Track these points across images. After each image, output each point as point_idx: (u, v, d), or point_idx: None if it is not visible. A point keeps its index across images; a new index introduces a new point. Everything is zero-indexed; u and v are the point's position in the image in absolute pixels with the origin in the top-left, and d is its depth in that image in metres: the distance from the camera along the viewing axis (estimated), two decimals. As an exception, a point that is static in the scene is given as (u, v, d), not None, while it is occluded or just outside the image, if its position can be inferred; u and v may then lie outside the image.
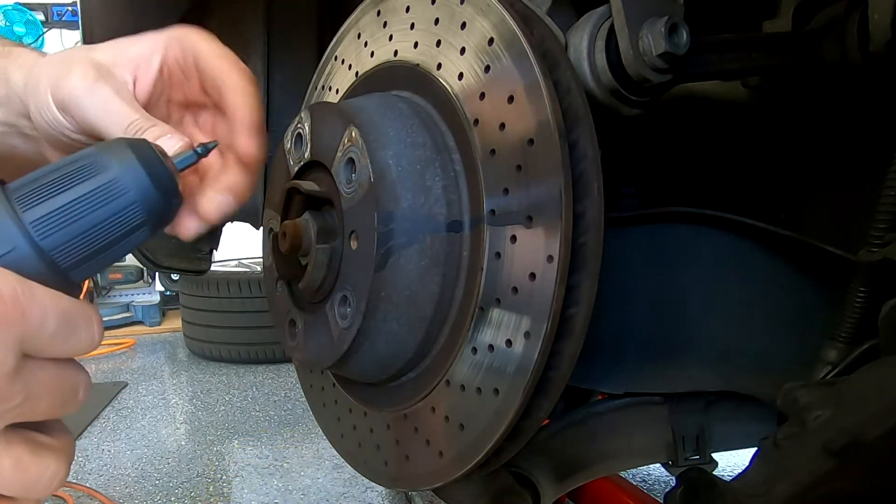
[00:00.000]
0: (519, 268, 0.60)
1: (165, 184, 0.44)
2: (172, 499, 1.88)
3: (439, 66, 0.69)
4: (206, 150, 0.51)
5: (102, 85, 0.50)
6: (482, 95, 0.64)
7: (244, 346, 3.30)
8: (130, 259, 3.56)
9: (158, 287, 4.52)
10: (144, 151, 0.43)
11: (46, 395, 0.38)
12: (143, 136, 0.47)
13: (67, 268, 0.40)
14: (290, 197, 0.79)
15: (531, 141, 0.59)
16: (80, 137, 0.51)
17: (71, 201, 0.40)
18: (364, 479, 0.88)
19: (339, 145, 0.68)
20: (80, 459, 2.17)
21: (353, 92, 0.82)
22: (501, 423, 0.62)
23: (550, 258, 0.57)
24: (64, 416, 0.40)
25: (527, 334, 0.59)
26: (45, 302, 0.37)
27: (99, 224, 0.41)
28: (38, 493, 0.38)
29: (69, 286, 0.40)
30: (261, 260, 0.99)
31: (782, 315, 0.81)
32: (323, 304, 0.72)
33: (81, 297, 0.42)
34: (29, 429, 0.39)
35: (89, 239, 0.41)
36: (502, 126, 0.62)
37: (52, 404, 0.38)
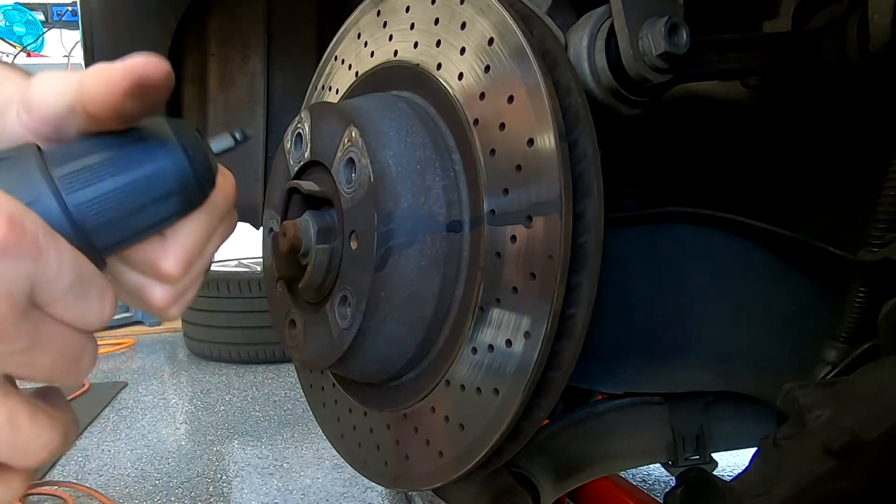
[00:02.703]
0: (519, 268, 0.60)
1: (205, 173, 0.43)
2: (172, 499, 1.88)
3: (439, 66, 0.69)
4: (244, 136, 0.49)
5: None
6: (482, 95, 0.64)
7: (244, 346, 3.30)
8: (130, 259, 3.55)
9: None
10: (187, 137, 0.42)
11: (51, 350, 0.36)
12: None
13: (89, 229, 0.39)
14: (290, 197, 0.79)
15: (531, 141, 0.59)
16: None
17: (101, 161, 0.39)
18: (364, 479, 0.88)
19: (339, 145, 0.68)
20: (80, 459, 2.17)
21: (353, 92, 0.82)
22: (501, 423, 0.62)
23: (550, 258, 0.57)
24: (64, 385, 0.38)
25: (527, 334, 0.59)
26: (65, 253, 0.36)
27: (126, 185, 0.40)
28: (27, 459, 0.37)
29: (90, 252, 0.39)
30: (261, 260, 0.99)
31: (782, 315, 0.81)
32: (323, 304, 0.72)
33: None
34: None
35: (115, 200, 0.39)
36: (502, 126, 0.61)
37: (55, 363, 0.36)
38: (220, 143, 0.48)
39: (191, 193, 0.43)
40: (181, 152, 0.42)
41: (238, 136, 0.48)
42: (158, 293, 0.44)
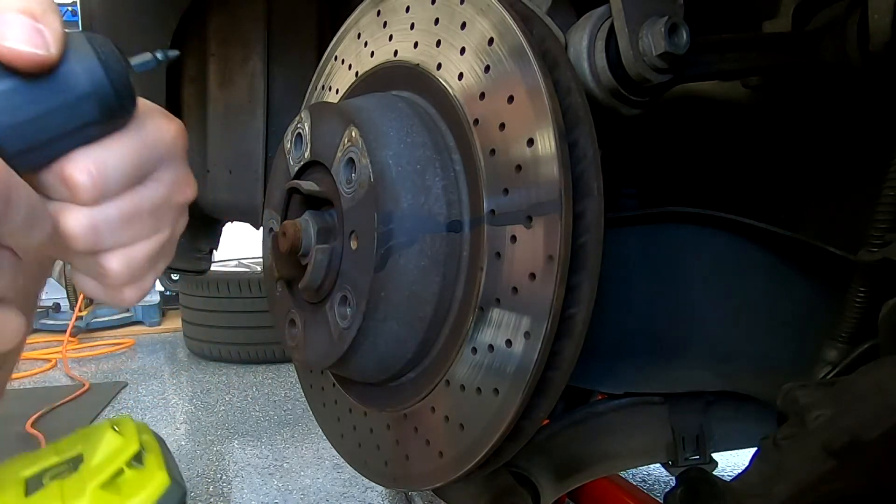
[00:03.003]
0: (519, 268, 0.60)
1: (121, 83, 0.42)
2: (172, 499, 1.88)
3: (439, 66, 0.69)
4: (166, 56, 0.46)
5: None
6: (482, 95, 0.64)
7: (244, 346, 3.30)
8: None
9: (158, 287, 4.51)
10: (103, 47, 0.41)
11: (5, 277, 0.38)
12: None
13: (12, 154, 0.38)
14: (290, 197, 0.79)
15: (531, 141, 0.59)
16: None
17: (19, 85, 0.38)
18: (364, 479, 0.88)
19: (339, 145, 0.68)
20: (80, 459, 2.17)
21: (353, 92, 0.82)
22: (501, 423, 0.62)
23: (550, 258, 0.57)
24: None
25: (527, 334, 0.59)
26: (21, 189, 0.37)
27: (33, 83, 0.39)
28: (2, 344, 0.40)
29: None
30: (261, 260, 0.99)
31: (782, 315, 0.81)
32: (323, 304, 0.72)
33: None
34: None
35: (22, 99, 0.38)
36: (502, 126, 0.62)
37: (6, 286, 0.39)
38: (140, 60, 0.45)
39: (106, 102, 0.41)
40: (93, 55, 0.40)
41: (160, 55, 0.46)
42: (71, 218, 0.41)
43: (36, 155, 0.40)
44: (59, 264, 3.25)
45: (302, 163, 0.76)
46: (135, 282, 0.46)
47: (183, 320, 3.59)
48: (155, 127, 0.44)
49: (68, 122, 0.40)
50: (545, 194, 0.58)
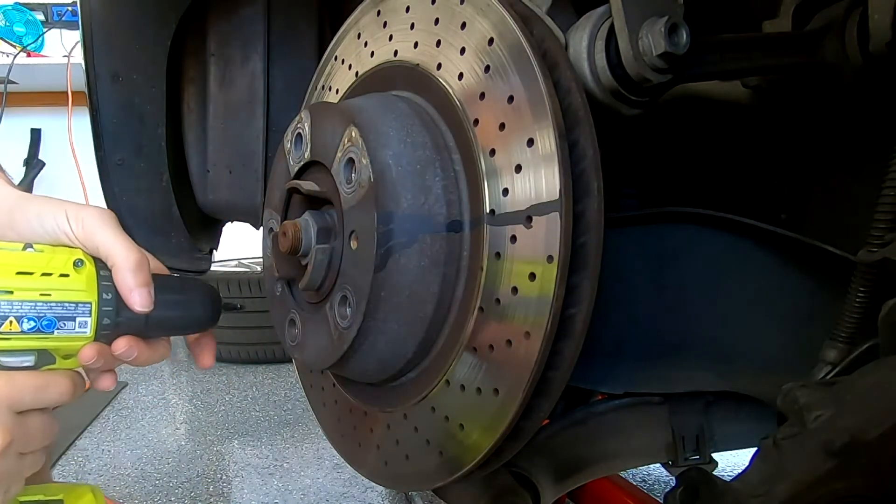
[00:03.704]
0: (519, 268, 0.60)
1: (217, 312, 0.76)
2: (172, 499, 1.88)
3: (439, 66, 0.69)
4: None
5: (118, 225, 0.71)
6: (482, 95, 0.64)
7: (244, 346, 3.29)
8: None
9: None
10: (215, 292, 0.76)
11: (35, 434, 0.66)
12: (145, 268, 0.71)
13: (149, 330, 0.71)
14: (290, 197, 0.79)
15: (531, 141, 0.59)
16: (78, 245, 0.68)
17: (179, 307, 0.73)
18: (364, 479, 0.88)
19: (339, 145, 0.68)
20: (80, 459, 2.17)
21: (353, 92, 0.82)
22: (501, 423, 0.62)
23: (550, 258, 0.57)
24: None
25: (527, 334, 0.59)
26: (20, 383, 0.64)
27: (186, 323, 0.75)
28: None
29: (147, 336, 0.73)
30: (261, 260, 0.99)
31: (782, 315, 0.81)
32: (323, 304, 0.72)
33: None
34: None
35: (175, 324, 0.73)
36: (502, 126, 0.62)
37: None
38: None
39: (207, 321, 0.76)
40: (212, 308, 0.76)
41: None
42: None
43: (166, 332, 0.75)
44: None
45: (302, 163, 0.76)
46: None
47: (183, 320, 3.58)
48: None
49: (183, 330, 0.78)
50: (545, 194, 0.58)
